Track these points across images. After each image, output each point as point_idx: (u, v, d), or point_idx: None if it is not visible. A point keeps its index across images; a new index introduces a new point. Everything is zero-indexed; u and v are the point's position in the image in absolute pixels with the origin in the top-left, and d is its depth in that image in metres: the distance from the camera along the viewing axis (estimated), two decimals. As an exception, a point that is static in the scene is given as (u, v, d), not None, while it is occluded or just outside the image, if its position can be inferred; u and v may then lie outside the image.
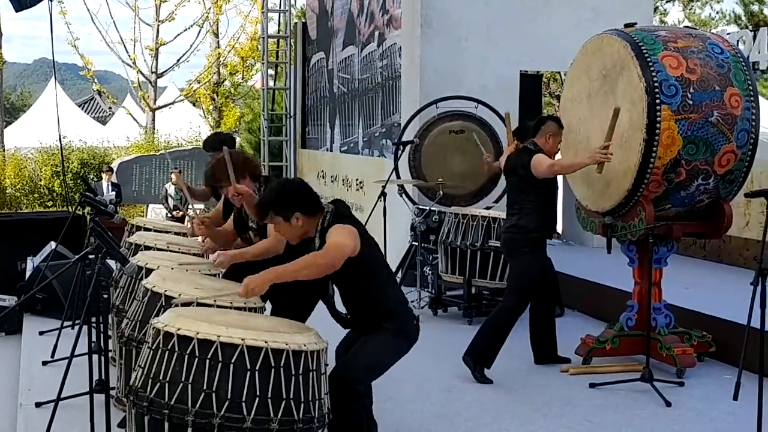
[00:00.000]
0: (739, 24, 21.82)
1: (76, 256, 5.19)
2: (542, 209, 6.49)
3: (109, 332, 5.28)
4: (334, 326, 4.69)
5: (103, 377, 5.14)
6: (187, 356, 3.56)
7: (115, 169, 19.03)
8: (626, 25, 6.58)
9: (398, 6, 11.44)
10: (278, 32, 16.96)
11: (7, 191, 24.47)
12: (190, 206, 6.54)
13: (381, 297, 4.43)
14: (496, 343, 6.42)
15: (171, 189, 18.31)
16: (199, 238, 6.31)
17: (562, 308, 8.50)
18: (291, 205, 4.29)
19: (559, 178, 6.95)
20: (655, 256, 6.51)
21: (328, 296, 4.85)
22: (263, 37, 16.75)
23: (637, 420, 5.64)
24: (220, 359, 3.54)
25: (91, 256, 4.94)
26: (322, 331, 4.02)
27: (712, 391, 6.15)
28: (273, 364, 3.58)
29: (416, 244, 8.85)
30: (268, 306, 5.13)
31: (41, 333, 7.72)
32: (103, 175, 17.80)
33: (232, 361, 3.53)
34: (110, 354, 5.55)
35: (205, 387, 3.52)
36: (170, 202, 18.21)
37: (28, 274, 9.73)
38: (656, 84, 6.09)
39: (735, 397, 4.38)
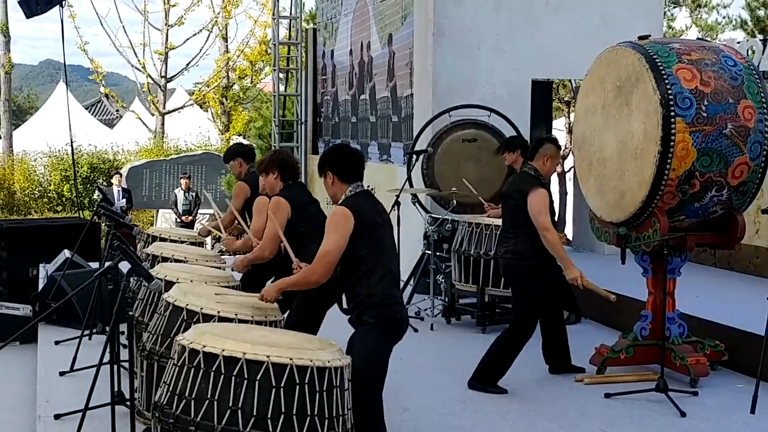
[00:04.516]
0: (745, 29, 21.77)
1: (98, 271, 5.24)
2: (537, 234, 6.35)
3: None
4: (341, 329, 4.75)
5: (122, 389, 5.20)
6: (212, 373, 3.60)
7: (125, 174, 19.10)
8: (640, 38, 6.61)
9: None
10: (288, 38, 17.01)
11: (16, 195, 24.58)
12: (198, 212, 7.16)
13: (363, 283, 4.54)
14: (503, 366, 6.43)
15: (180, 194, 18.40)
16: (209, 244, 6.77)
17: (579, 316, 8.52)
18: (325, 162, 4.74)
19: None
20: (669, 267, 6.54)
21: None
22: (274, 44, 16.79)
23: (653, 430, 5.67)
24: (246, 376, 3.57)
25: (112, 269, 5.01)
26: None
27: (726, 400, 6.16)
28: (298, 381, 3.61)
29: (429, 252, 8.88)
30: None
31: (57, 342, 7.74)
32: (113, 180, 17.88)
33: (258, 378, 3.57)
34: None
35: (230, 404, 3.56)
36: (179, 207, 18.30)
37: (40, 281, 9.77)
38: (671, 96, 6.12)
39: (752, 411, 4.41)
